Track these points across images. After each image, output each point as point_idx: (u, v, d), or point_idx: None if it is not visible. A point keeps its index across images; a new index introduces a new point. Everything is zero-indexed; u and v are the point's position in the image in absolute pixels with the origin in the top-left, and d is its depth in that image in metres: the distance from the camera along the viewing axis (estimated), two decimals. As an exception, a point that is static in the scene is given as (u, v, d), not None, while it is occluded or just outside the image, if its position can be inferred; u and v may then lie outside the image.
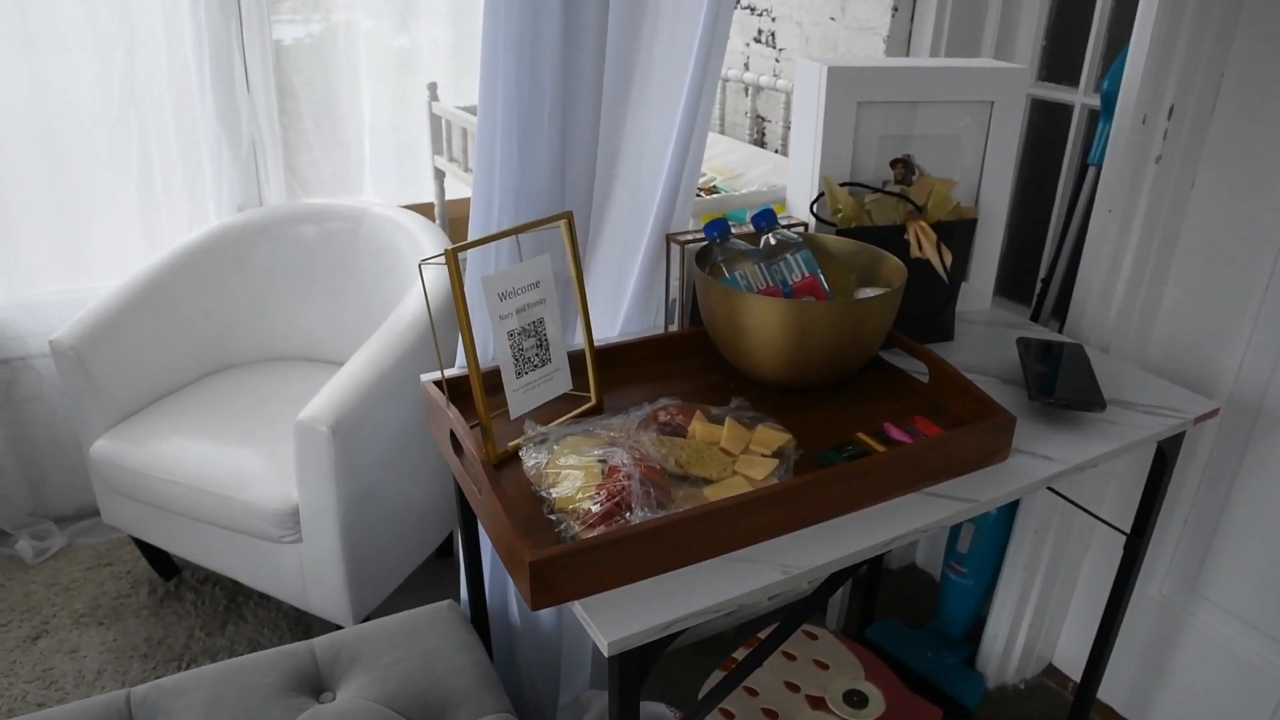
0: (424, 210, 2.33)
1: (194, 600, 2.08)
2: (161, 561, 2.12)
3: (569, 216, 1.11)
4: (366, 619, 1.78)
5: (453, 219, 2.36)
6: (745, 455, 1.05)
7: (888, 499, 1.04)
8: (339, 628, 1.79)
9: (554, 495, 0.97)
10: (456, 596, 1.50)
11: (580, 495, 0.95)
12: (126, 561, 2.19)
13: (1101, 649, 1.46)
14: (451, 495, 1.99)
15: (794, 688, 1.53)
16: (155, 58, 2.03)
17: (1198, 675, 1.63)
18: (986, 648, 1.84)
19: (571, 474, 0.97)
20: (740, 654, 1.61)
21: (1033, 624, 1.79)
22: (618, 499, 0.93)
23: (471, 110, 2.13)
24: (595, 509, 0.93)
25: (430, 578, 2.13)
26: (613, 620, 0.86)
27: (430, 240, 1.99)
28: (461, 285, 0.99)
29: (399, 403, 1.73)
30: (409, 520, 1.87)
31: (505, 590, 1.54)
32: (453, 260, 0.98)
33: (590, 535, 0.90)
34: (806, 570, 0.94)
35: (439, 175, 2.27)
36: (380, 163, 2.38)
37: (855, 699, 1.50)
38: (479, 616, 1.49)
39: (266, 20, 2.07)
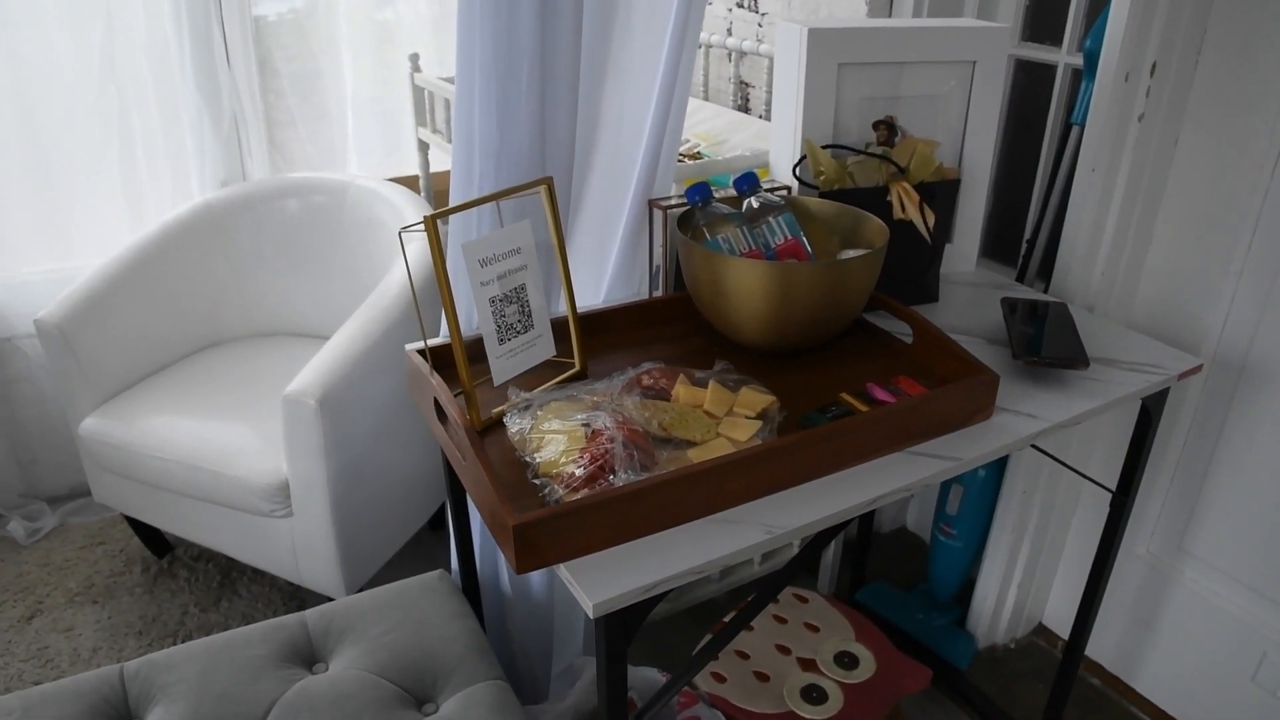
0: (408, 182, 2.32)
1: (187, 577, 2.09)
2: (154, 539, 2.13)
3: (549, 182, 1.10)
4: (359, 591, 1.79)
5: (437, 190, 2.34)
6: (729, 418, 1.06)
7: (871, 459, 1.05)
8: (332, 600, 1.80)
9: (538, 460, 0.97)
10: (449, 567, 1.51)
11: (564, 459, 0.95)
12: (119, 540, 2.19)
13: (1089, 607, 1.47)
14: (438, 466, 2.00)
15: (785, 650, 1.54)
16: (134, 33, 2.00)
17: (1185, 631, 1.65)
18: (976, 608, 1.85)
19: (555, 438, 0.97)
20: (731, 618, 1.62)
21: (1022, 584, 1.80)
22: (601, 462, 0.93)
23: (453, 81, 2.11)
24: (579, 472, 0.93)
25: (422, 550, 2.14)
26: (597, 582, 0.87)
27: (414, 211, 1.98)
28: (442, 253, 0.98)
29: (387, 374, 1.73)
30: (399, 492, 1.87)
31: (496, 559, 1.54)
32: (432, 227, 0.98)
33: (574, 498, 0.91)
34: (790, 530, 0.95)
35: (423, 147, 2.25)
36: (364, 136, 2.36)
37: (846, 660, 1.52)
38: (470, 585, 1.50)
39: (246, -3, 2.04)
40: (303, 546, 1.73)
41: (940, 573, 1.86)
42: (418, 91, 2.17)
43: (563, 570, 0.89)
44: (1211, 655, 1.61)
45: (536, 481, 0.96)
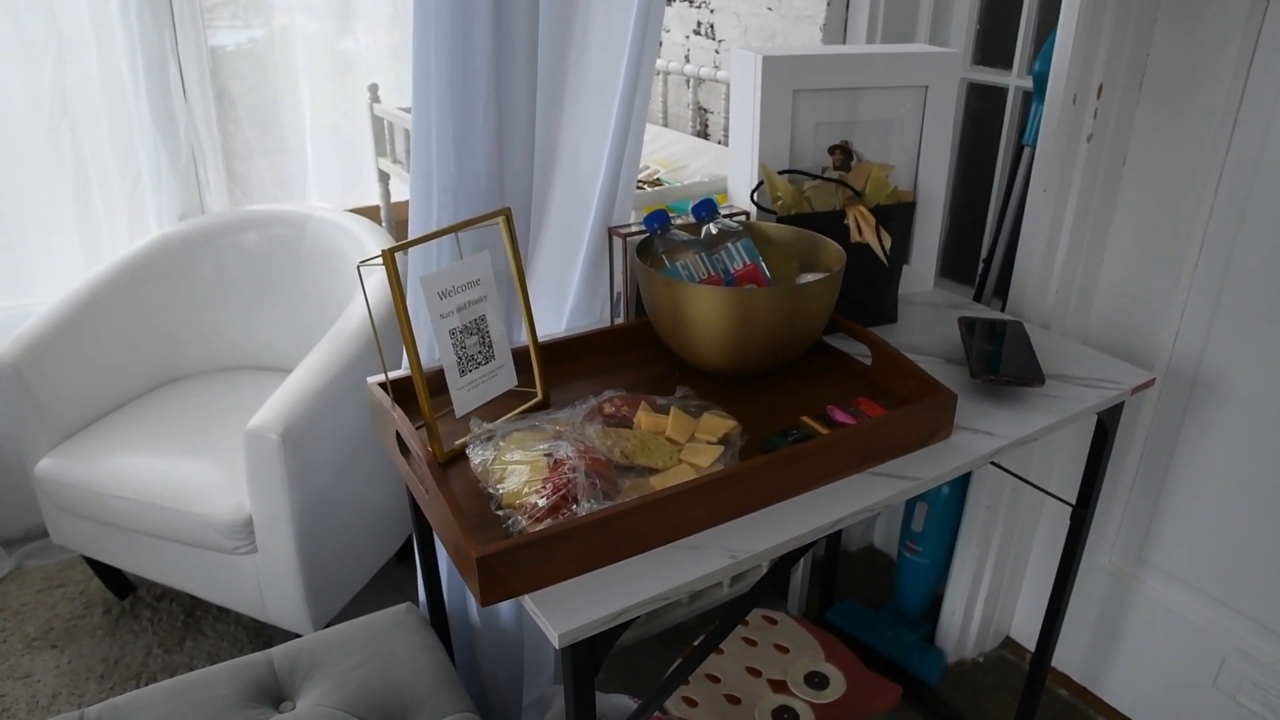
0: (369, 213, 2.31)
1: (150, 618, 2.05)
2: (115, 580, 2.09)
3: (507, 213, 1.10)
4: (327, 626, 1.77)
5: (398, 221, 2.34)
6: (691, 444, 1.06)
7: (833, 480, 1.06)
8: (300, 637, 1.77)
9: (501, 491, 0.97)
10: (417, 600, 1.50)
11: (526, 489, 0.95)
12: (79, 582, 2.15)
13: (1053, 619, 1.49)
14: (404, 499, 1.98)
15: (755, 673, 1.54)
16: (86, 66, 1.99)
17: (1147, 639, 1.67)
18: (945, 624, 1.87)
19: (518, 469, 0.97)
20: (700, 641, 1.62)
21: (988, 598, 1.82)
22: (564, 491, 0.93)
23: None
24: (541, 502, 0.93)
25: (390, 583, 2.12)
26: (563, 612, 0.87)
27: (375, 243, 1.98)
28: (400, 286, 0.98)
29: (349, 408, 1.72)
30: (365, 526, 1.85)
31: (464, 590, 1.53)
32: (390, 260, 0.98)
33: (537, 529, 0.91)
34: (754, 554, 0.95)
35: (383, 177, 2.25)
36: (323, 167, 2.36)
37: (816, 680, 1.52)
38: (438, 618, 1.48)
39: (201, 26, 2.04)
40: (268, 583, 1.71)
41: (908, 590, 1.87)
42: (377, 122, 2.17)
43: (528, 601, 0.89)
44: (1174, 662, 1.63)
45: (500, 513, 0.96)
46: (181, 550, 1.77)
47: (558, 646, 0.85)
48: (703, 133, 2.14)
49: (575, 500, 0.93)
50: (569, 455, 0.96)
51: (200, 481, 1.72)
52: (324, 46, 2.27)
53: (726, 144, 2.04)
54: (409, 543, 2.14)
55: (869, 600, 2.02)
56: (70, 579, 2.16)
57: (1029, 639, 1.89)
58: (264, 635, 2.00)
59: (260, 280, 2.09)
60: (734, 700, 1.49)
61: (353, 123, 2.34)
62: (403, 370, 1.17)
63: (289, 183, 2.32)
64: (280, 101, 2.25)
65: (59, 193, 2.07)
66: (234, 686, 1.33)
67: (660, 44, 1.26)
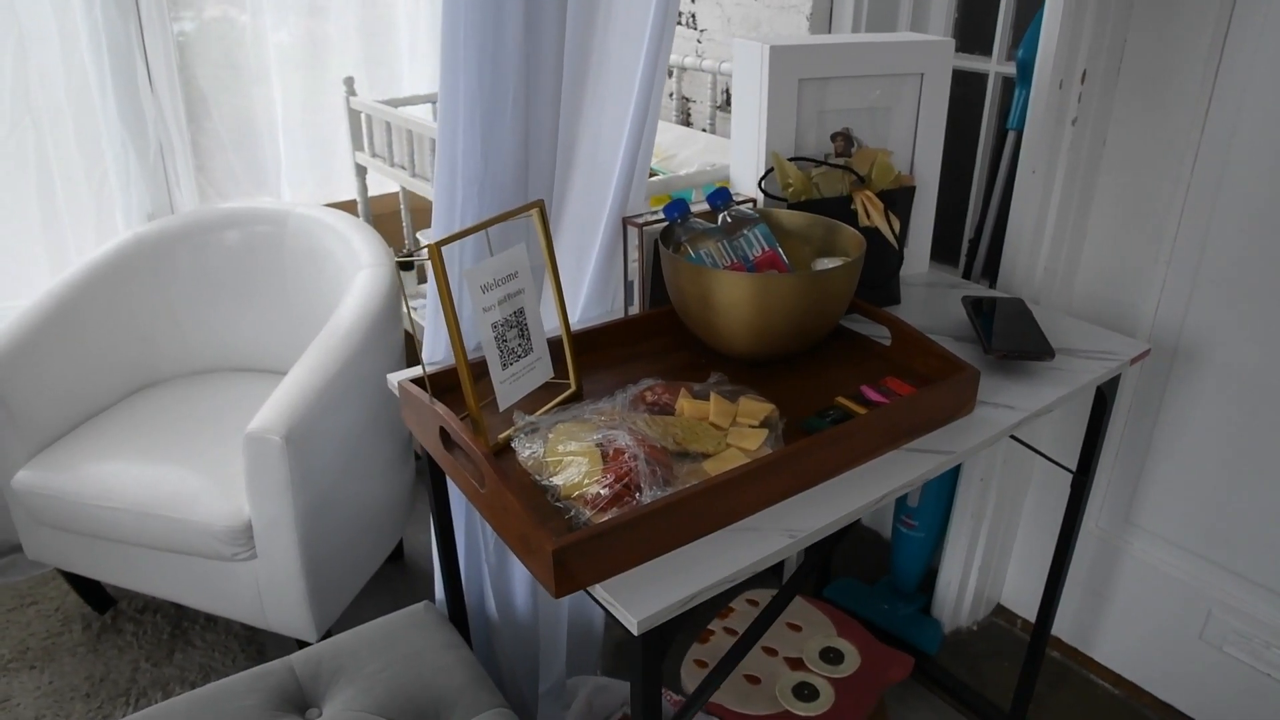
0: (345, 207, 2.27)
1: (134, 631, 1.99)
2: (94, 594, 2.02)
3: (540, 205, 1.10)
4: (328, 631, 1.74)
5: (376, 214, 2.30)
6: (735, 428, 1.08)
7: (873, 457, 1.09)
8: (298, 644, 1.74)
9: (557, 483, 0.97)
10: (411, 601, 1.48)
11: (586, 480, 0.95)
12: (54, 598, 2.07)
13: (1055, 584, 1.55)
14: (400, 499, 1.96)
15: (772, 652, 1.57)
16: (49, 59, 1.91)
17: (1136, 598, 1.75)
18: (940, 595, 1.93)
19: (574, 460, 0.97)
20: (716, 625, 1.64)
21: (982, 568, 1.88)
22: (626, 480, 0.94)
23: (392, 104, 2.09)
24: (605, 492, 0.93)
25: (384, 585, 2.10)
26: (636, 600, 0.88)
27: (362, 239, 1.94)
28: (446, 279, 0.98)
29: (347, 407, 1.69)
30: (364, 527, 1.83)
31: (481, 586, 1.53)
32: (436, 255, 0.97)
33: (603, 519, 0.91)
34: (811, 532, 0.97)
35: (360, 171, 2.21)
36: (296, 161, 2.30)
37: (831, 655, 1.56)
38: (457, 614, 1.48)
39: (167, 18, 1.97)
40: (268, 589, 1.68)
41: (904, 563, 1.93)
42: (354, 115, 2.13)
43: (600, 590, 0.89)
44: (1161, 618, 1.71)
45: (559, 505, 0.96)
46: (172, 559, 1.72)
47: (637, 633, 0.86)
48: (685, 121, 2.15)
49: (638, 489, 0.94)
50: (628, 444, 0.96)
51: (193, 487, 1.68)
52: (291, 38, 2.22)
53: (711, 132, 2.06)
54: (399, 543, 2.12)
55: (861, 576, 2.07)
56: (44, 595, 2.08)
57: (1019, 605, 1.96)
58: (256, 643, 1.96)
59: (239, 280, 2.04)
60: (754, 680, 1.52)
61: (323, 116, 2.29)
62: (434, 364, 1.16)
63: (260, 178, 2.26)
64: (250, 94, 2.19)
65: (21, 192, 1.98)
66: (256, 696, 1.30)
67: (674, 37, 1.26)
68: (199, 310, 2.05)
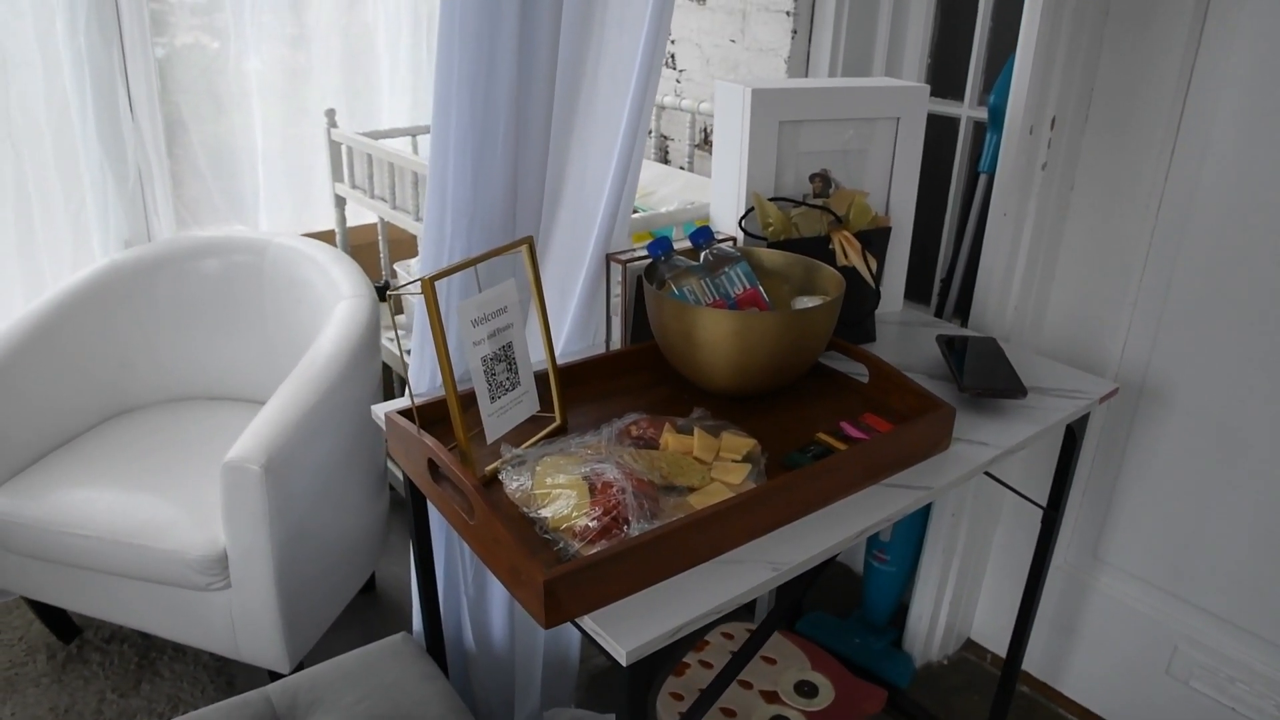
0: (323, 237, 2.28)
1: (100, 661, 1.96)
2: (60, 623, 1.98)
3: (530, 241, 1.13)
4: (301, 664, 1.73)
5: (354, 245, 2.31)
6: (718, 462, 1.10)
7: (853, 492, 1.11)
8: (269, 675, 1.72)
9: (545, 515, 0.98)
10: (383, 633, 1.48)
11: (575, 513, 0.97)
12: (17, 628, 2.03)
13: (1025, 619, 1.58)
14: (374, 530, 1.96)
15: (747, 685, 1.58)
16: (31, 85, 1.90)
17: (1103, 633, 1.78)
18: (912, 629, 1.95)
19: (562, 492, 0.99)
20: (691, 658, 1.65)
21: (953, 602, 1.91)
22: (614, 513, 0.95)
23: (373, 136, 2.11)
24: (593, 525, 0.95)
25: (357, 616, 2.08)
26: (623, 630, 0.89)
27: (341, 270, 1.95)
28: (439, 313, 0.99)
29: (326, 438, 1.69)
30: (339, 558, 1.82)
31: (459, 617, 1.53)
32: (430, 289, 0.99)
33: (592, 551, 0.93)
34: (794, 565, 0.99)
35: (340, 202, 2.22)
36: (274, 190, 2.31)
37: (806, 689, 1.57)
38: (435, 646, 1.47)
39: (150, 45, 1.98)
40: (242, 619, 1.66)
41: (876, 598, 1.95)
42: (334, 147, 2.15)
43: (588, 621, 0.90)
44: (1128, 653, 1.75)
45: (548, 537, 0.97)
46: (143, 588, 1.70)
47: (626, 664, 0.87)
48: (664, 159, 2.19)
49: (626, 522, 0.95)
50: (616, 477, 0.98)
51: (167, 516, 1.66)
52: (272, 68, 2.23)
53: (689, 170, 2.09)
54: (372, 575, 2.11)
55: (832, 610, 2.09)
56: (7, 625, 2.04)
57: (989, 639, 1.99)
58: (226, 674, 1.94)
59: (218, 308, 2.04)
60: (730, 713, 1.53)
61: (302, 146, 2.30)
62: (407, 400, 1.17)
63: (238, 206, 2.26)
64: (230, 123, 2.20)
65: (-1, 219, 1.97)
66: (232, 727, 1.29)
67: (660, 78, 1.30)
68: (176, 338, 2.04)
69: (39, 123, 1.94)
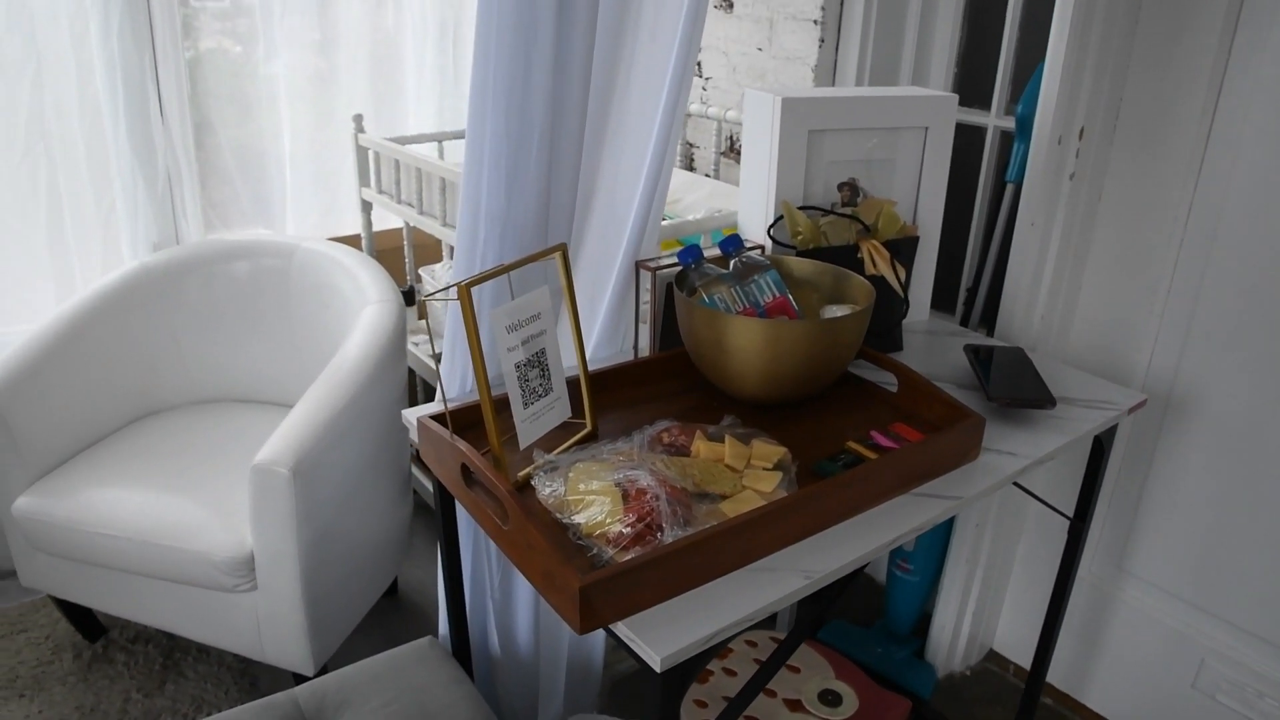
0: (349, 241, 2.29)
1: (126, 661, 1.97)
2: (86, 622, 2.00)
3: (563, 248, 1.13)
4: (325, 666, 1.74)
5: (380, 250, 2.32)
6: (749, 470, 1.10)
7: (883, 501, 1.11)
8: (294, 677, 1.73)
9: (579, 521, 0.99)
10: (406, 637, 1.49)
11: (609, 519, 0.97)
12: (44, 626, 2.05)
13: (1050, 631, 1.57)
14: (398, 534, 1.97)
15: (771, 693, 1.58)
16: (65, 90, 1.93)
17: (1128, 645, 1.77)
18: (934, 639, 1.94)
19: (596, 499, 0.99)
20: (715, 666, 1.65)
21: (976, 613, 1.90)
22: (648, 520, 0.96)
23: (399, 141, 2.12)
24: (627, 531, 0.95)
25: (379, 620, 2.09)
26: (657, 637, 0.89)
27: (369, 275, 1.96)
28: (474, 318, 1.00)
29: (353, 442, 1.70)
30: (365, 561, 1.83)
31: (485, 622, 1.53)
32: (466, 296, 1.00)
33: (626, 557, 0.93)
34: (827, 573, 0.99)
35: (366, 207, 2.24)
36: (300, 194, 2.33)
37: (830, 698, 1.57)
38: (461, 650, 1.48)
39: (181, 50, 2.00)
40: (267, 621, 1.67)
41: (899, 607, 1.94)
42: (361, 152, 2.16)
43: (622, 628, 0.91)
44: (1154, 666, 1.74)
45: (581, 543, 0.98)
46: (171, 589, 1.71)
47: (660, 670, 0.87)
48: (689, 166, 2.19)
49: (660, 528, 0.96)
50: (650, 485, 0.98)
51: (195, 517, 1.68)
52: (301, 73, 2.25)
53: (715, 178, 2.10)
54: (394, 579, 2.12)
55: (853, 620, 2.08)
56: (34, 623, 2.06)
57: (1012, 650, 1.98)
58: (249, 675, 1.95)
59: (246, 311, 2.05)
60: (753, 720, 1.53)
61: (331, 150, 2.32)
62: (438, 404, 1.18)
63: (265, 210, 2.29)
64: (259, 127, 2.22)
65: (31, 219, 1.99)
66: (260, 728, 1.30)
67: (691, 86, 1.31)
68: (204, 340, 2.06)
69: (72, 126, 1.96)
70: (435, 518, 1.36)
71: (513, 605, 1.51)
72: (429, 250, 2.39)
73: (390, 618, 2.13)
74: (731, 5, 2.02)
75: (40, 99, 1.92)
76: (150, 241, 2.09)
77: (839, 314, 1.29)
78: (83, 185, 2.01)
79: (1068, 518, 1.50)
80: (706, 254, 1.35)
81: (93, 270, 2.07)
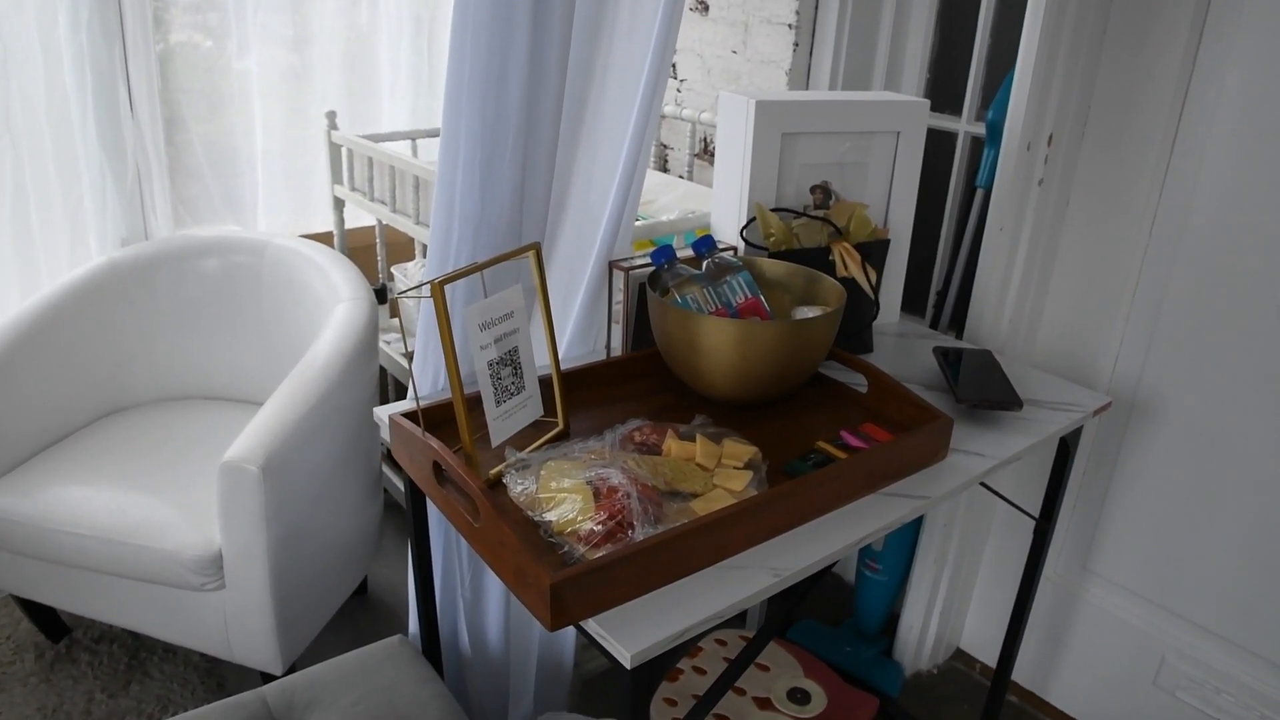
0: (320, 238, 2.28)
1: (90, 661, 1.95)
2: (49, 622, 1.97)
3: (536, 247, 1.14)
4: (293, 665, 1.72)
5: (353, 247, 2.31)
6: (720, 469, 1.11)
7: (852, 500, 1.12)
8: (261, 676, 1.72)
9: (550, 519, 0.99)
10: (375, 636, 1.48)
11: (580, 517, 0.97)
12: (5, 626, 2.02)
13: (1016, 629, 1.60)
14: (368, 533, 1.96)
15: (740, 691, 1.59)
16: (32, 82, 1.90)
17: (1091, 643, 1.80)
18: (902, 638, 1.96)
19: (567, 497, 1.00)
20: (685, 664, 1.66)
21: (943, 612, 1.92)
22: (619, 518, 0.96)
23: (373, 139, 2.11)
24: (598, 529, 0.96)
25: (348, 619, 2.08)
26: (627, 634, 0.90)
27: (341, 273, 1.95)
28: (448, 316, 1.00)
29: (323, 439, 1.69)
30: (333, 559, 1.82)
31: (455, 620, 1.53)
32: (439, 293, 1.00)
33: (597, 555, 0.94)
34: (795, 571, 1.00)
35: (338, 204, 2.23)
36: (272, 190, 2.31)
37: (799, 696, 1.58)
38: (431, 649, 1.48)
39: (151, 44, 1.98)
40: (235, 620, 1.66)
41: (867, 607, 1.96)
42: (334, 149, 2.15)
43: (592, 624, 0.91)
44: (1116, 664, 1.77)
45: (552, 540, 0.98)
46: (137, 588, 1.69)
47: (630, 666, 0.88)
48: (663, 168, 2.20)
49: (630, 526, 0.96)
50: (621, 483, 0.99)
51: (162, 515, 1.66)
52: (273, 69, 2.24)
53: (689, 179, 2.11)
54: (364, 578, 2.11)
55: (822, 619, 2.10)
56: (-5, 623, 2.03)
57: (978, 649, 2.00)
58: (216, 675, 1.93)
59: (217, 308, 2.03)
60: (723, 719, 1.53)
61: (303, 146, 2.30)
62: (409, 401, 1.17)
63: (236, 207, 2.26)
64: (230, 123, 2.20)
65: (-5, 215, 1.96)
66: (227, 727, 1.29)
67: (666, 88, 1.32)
68: (173, 337, 2.04)
69: (39, 119, 1.93)
70: (406, 516, 1.36)
71: (483, 604, 1.51)
72: (401, 248, 2.38)
73: (360, 616, 2.11)
74: (707, 8, 2.03)
75: (6, 91, 1.89)
76: (119, 237, 2.06)
77: (810, 315, 1.30)
78: (50, 180, 1.98)
79: (1033, 518, 1.52)
80: (679, 254, 1.36)
81: (59, 266, 2.04)
